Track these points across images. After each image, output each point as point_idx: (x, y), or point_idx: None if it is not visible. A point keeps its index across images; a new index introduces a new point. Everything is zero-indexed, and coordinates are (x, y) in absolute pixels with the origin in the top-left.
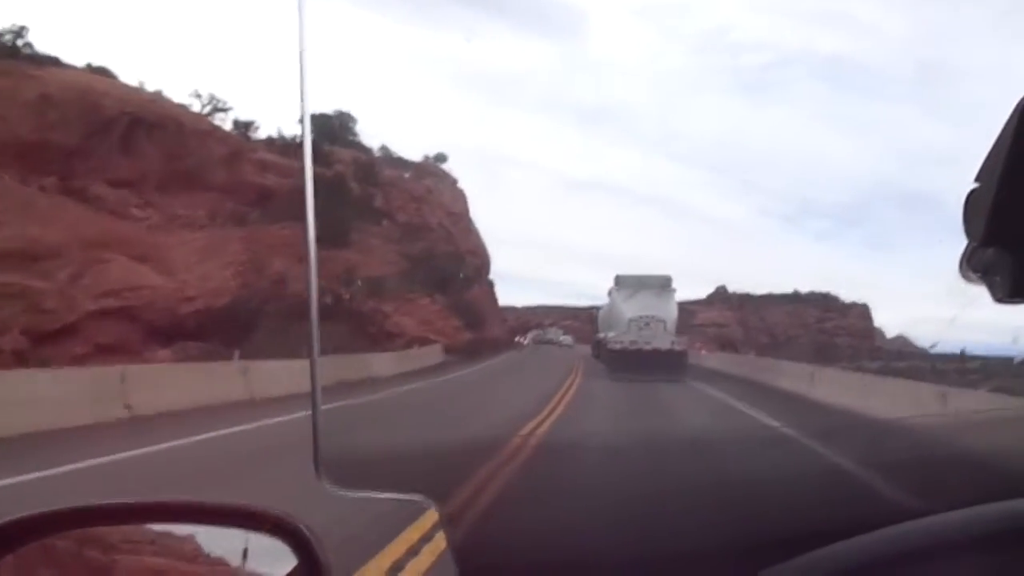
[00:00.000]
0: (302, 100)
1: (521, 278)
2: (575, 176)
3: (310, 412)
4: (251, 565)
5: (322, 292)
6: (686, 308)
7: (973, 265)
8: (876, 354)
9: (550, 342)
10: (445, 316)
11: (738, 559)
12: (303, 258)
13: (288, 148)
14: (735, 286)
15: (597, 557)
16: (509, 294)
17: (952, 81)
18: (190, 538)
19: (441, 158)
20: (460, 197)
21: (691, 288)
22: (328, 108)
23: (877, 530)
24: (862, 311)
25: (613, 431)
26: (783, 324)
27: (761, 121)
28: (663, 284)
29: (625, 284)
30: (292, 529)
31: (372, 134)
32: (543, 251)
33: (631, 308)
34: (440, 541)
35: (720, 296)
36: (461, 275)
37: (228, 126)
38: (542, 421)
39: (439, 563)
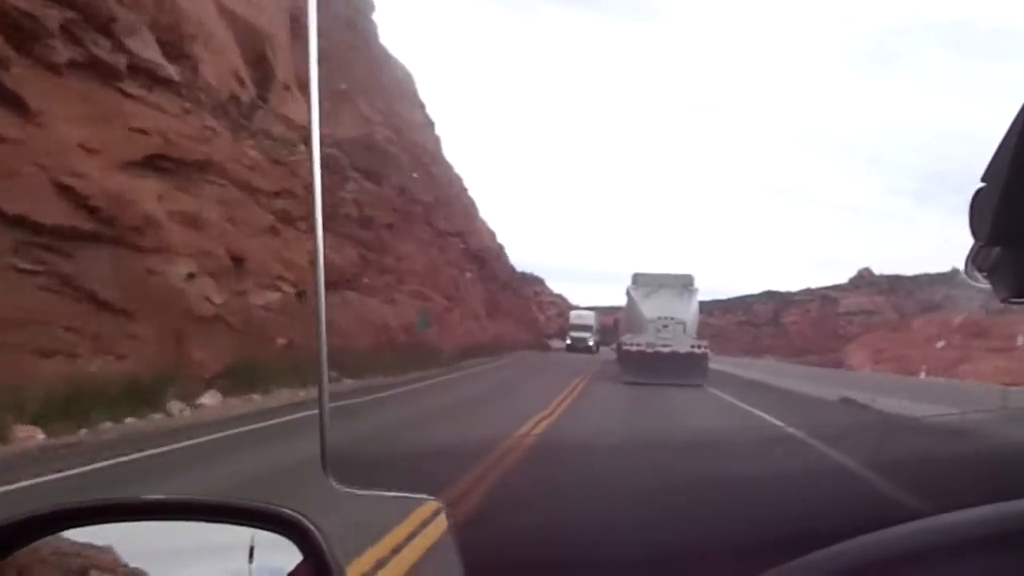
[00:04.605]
0: (310, 98)
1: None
2: (689, 170)
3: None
4: (258, 564)
5: None
6: (826, 295)
7: (978, 264)
8: None
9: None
10: None
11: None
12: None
13: None
14: (880, 268)
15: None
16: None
17: None
18: (109, 549)
19: None
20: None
21: (827, 274)
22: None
23: (880, 530)
24: None
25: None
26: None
27: (883, 94)
28: (684, 283)
29: (643, 283)
30: (299, 527)
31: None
32: (660, 252)
33: (649, 308)
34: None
35: (865, 279)
36: None
37: None
38: None
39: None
